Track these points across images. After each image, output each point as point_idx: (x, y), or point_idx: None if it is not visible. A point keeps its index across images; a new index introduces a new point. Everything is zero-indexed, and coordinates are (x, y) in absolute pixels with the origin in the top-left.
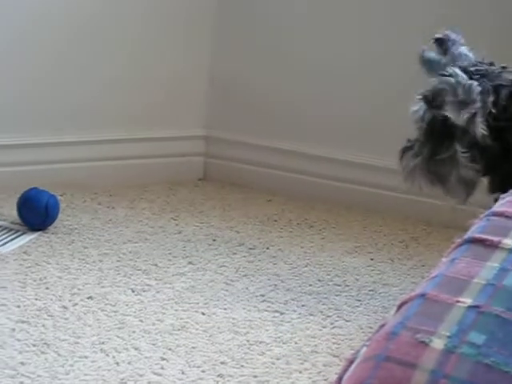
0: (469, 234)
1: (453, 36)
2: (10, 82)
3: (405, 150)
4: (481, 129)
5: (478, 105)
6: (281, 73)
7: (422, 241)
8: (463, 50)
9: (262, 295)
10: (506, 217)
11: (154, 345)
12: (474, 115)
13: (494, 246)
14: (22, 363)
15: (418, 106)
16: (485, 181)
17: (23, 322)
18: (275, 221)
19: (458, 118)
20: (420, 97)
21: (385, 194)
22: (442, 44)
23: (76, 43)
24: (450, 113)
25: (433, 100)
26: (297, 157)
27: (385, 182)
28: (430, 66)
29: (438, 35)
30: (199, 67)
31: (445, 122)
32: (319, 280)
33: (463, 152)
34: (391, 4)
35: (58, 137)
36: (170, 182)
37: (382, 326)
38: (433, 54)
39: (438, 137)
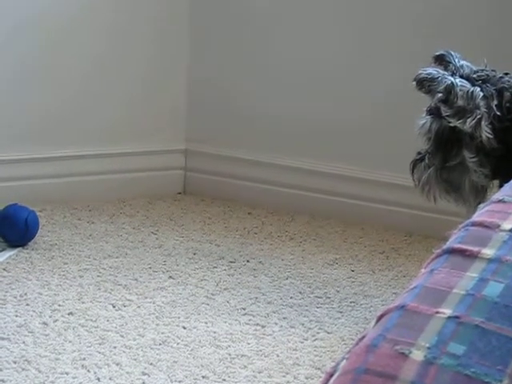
0: (448, 245)
1: (452, 51)
2: None
3: (416, 163)
4: (486, 132)
5: (482, 110)
6: (261, 86)
7: (403, 251)
8: (464, 61)
9: (243, 308)
10: (485, 226)
11: (135, 360)
12: (479, 120)
13: (473, 256)
14: (3, 380)
15: (424, 120)
16: (495, 185)
17: (3, 338)
18: (255, 234)
19: (464, 125)
20: (426, 110)
21: (364, 205)
22: (442, 59)
23: (52, 55)
24: (455, 121)
25: (438, 111)
26: (276, 169)
27: (364, 193)
28: (428, 83)
29: (437, 53)
30: (177, 81)
31: (452, 130)
32: (300, 292)
33: (471, 157)
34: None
35: (37, 152)
36: (149, 196)
37: (362, 338)
38: (430, 70)
39: (446, 145)
